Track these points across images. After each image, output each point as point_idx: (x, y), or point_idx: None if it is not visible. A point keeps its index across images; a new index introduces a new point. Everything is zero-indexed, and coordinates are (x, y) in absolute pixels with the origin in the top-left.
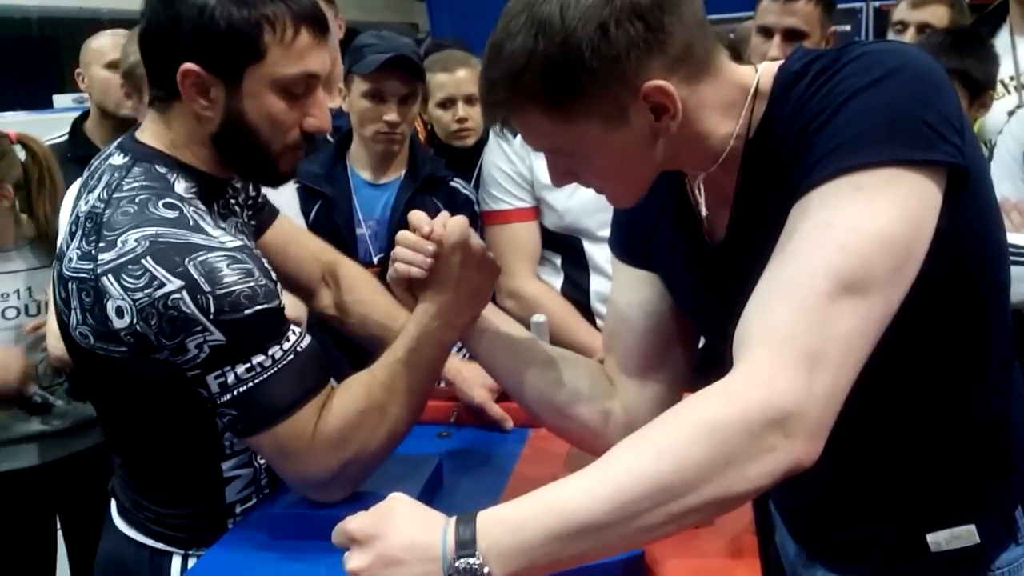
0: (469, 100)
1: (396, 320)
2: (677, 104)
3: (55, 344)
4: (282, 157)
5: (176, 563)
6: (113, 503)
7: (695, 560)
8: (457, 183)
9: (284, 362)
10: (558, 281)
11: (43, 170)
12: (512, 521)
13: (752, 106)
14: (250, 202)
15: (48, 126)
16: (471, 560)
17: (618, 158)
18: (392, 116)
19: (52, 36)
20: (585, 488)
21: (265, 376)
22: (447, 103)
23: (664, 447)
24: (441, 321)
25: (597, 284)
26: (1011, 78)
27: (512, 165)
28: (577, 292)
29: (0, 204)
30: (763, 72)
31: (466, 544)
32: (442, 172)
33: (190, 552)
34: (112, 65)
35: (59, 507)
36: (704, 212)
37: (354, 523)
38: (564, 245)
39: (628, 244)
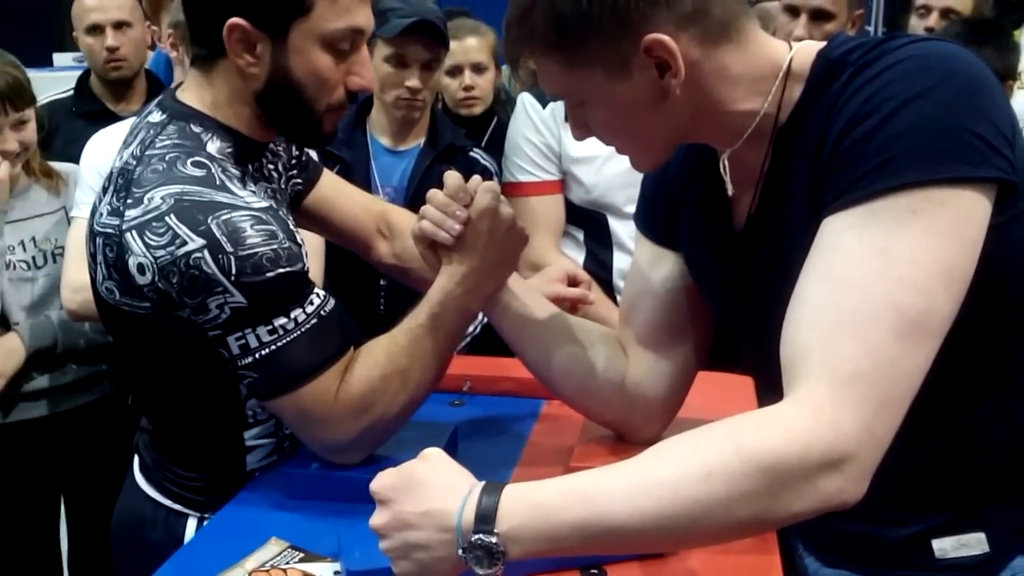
0: (476, 68)
1: None
2: (679, 61)
3: (70, 297)
4: (326, 116)
5: (191, 525)
6: (136, 460)
7: None
8: (477, 153)
9: (307, 326)
10: (580, 256)
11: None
12: (542, 506)
13: (784, 86)
14: (293, 162)
15: (48, 84)
16: (488, 538)
17: (625, 113)
18: (414, 82)
19: None
20: (625, 493)
21: (288, 340)
22: (454, 71)
23: (716, 472)
24: (465, 288)
25: (620, 261)
26: None
27: (540, 136)
28: (600, 268)
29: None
30: (798, 52)
31: (486, 519)
32: (462, 142)
33: (206, 515)
34: (93, 29)
35: (64, 458)
36: (731, 191)
37: (377, 482)
38: (588, 220)
39: (652, 220)
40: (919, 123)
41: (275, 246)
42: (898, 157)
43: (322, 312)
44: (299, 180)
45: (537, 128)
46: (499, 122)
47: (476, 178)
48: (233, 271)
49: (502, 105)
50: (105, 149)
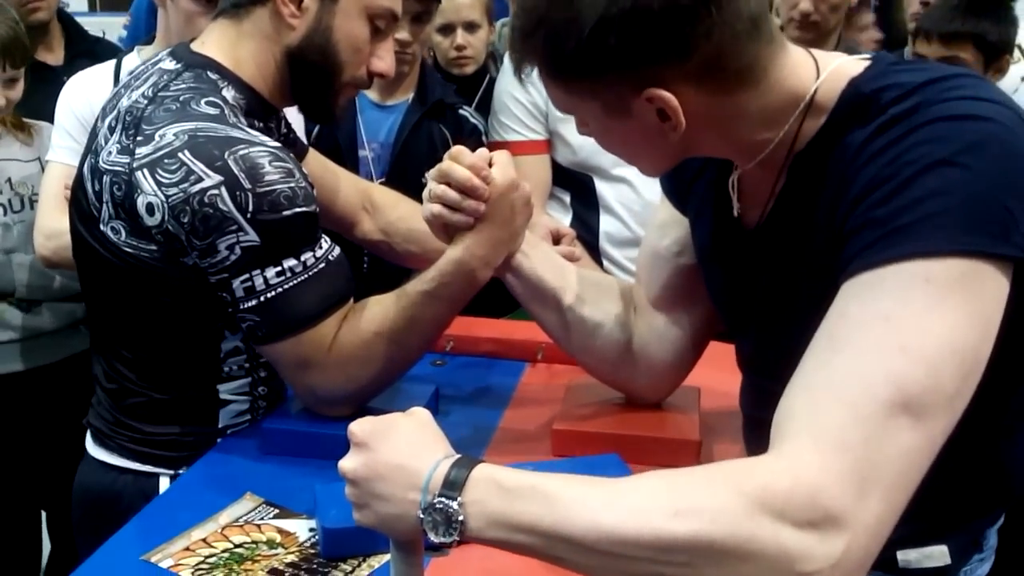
0: (469, 27)
1: None
2: (679, 117)
3: (43, 243)
4: (344, 89)
5: (164, 484)
6: (88, 434)
7: None
8: (466, 111)
9: (315, 269)
10: (567, 219)
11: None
12: (508, 490)
13: (804, 117)
14: (281, 139)
15: None
16: (450, 503)
17: (626, 142)
18: (404, 35)
19: None
20: (590, 505)
21: (295, 282)
22: (446, 29)
23: (685, 510)
24: (479, 261)
25: (606, 224)
26: None
27: (527, 95)
28: (586, 231)
29: None
30: (826, 81)
31: (452, 486)
32: (452, 99)
33: (179, 472)
34: None
35: (41, 418)
36: (737, 210)
37: (357, 425)
38: (575, 183)
39: (672, 183)
40: (943, 189)
41: (292, 184)
42: (917, 224)
43: (329, 257)
44: None
45: (524, 87)
46: (491, 80)
47: (483, 150)
48: (250, 208)
49: (493, 61)
50: (82, 92)
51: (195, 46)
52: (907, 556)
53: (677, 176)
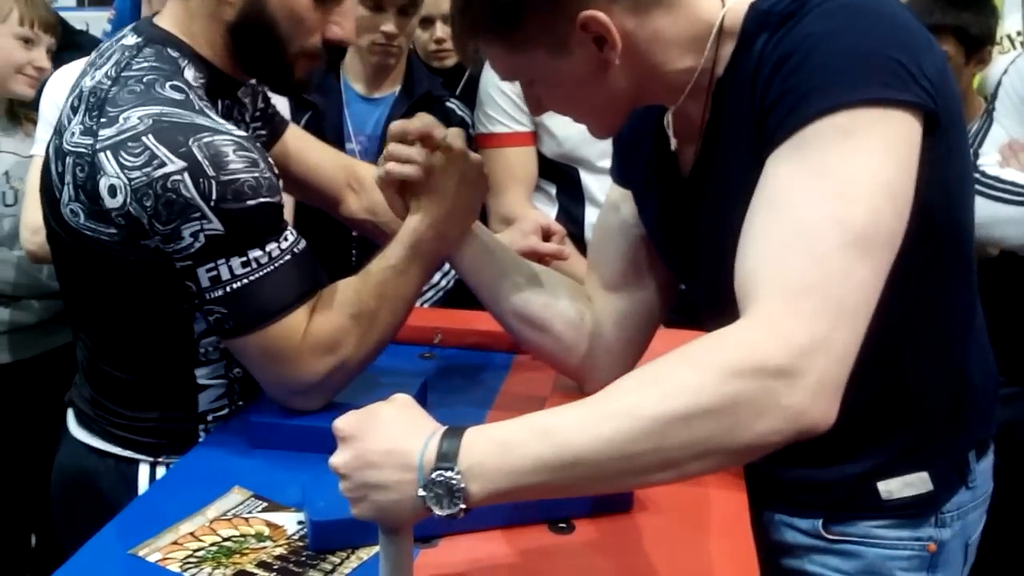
0: (448, 19)
1: None
2: (614, 35)
3: (29, 238)
4: (299, 61)
5: (144, 471)
6: (70, 412)
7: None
8: (453, 103)
9: (281, 261)
10: (552, 211)
11: None
12: (503, 442)
13: (718, 41)
14: (258, 114)
15: None
16: (448, 474)
17: (573, 88)
18: (390, 27)
19: None
20: (584, 422)
21: (261, 273)
22: (426, 22)
23: (672, 390)
24: (435, 232)
25: (592, 216)
26: (1018, 33)
27: (512, 86)
28: (571, 223)
29: None
30: (731, 8)
31: (447, 457)
32: (439, 91)
33: (159, 460)
34: None
35: (27, 410)
36: (674, 145)
37: (341, 420)
38: (560, 174)
39: (617, 161)
40: (841, 50)
41: (256, 174)
42: (822, 85)
43: (295, 249)
44: (263, 132)
45: None
46: (472, 73)
47: (442, 125)
48: (214, 196)
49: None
50: (66, 85)
51: (156, 19)
52: (888, 487)
53: (621, 155)
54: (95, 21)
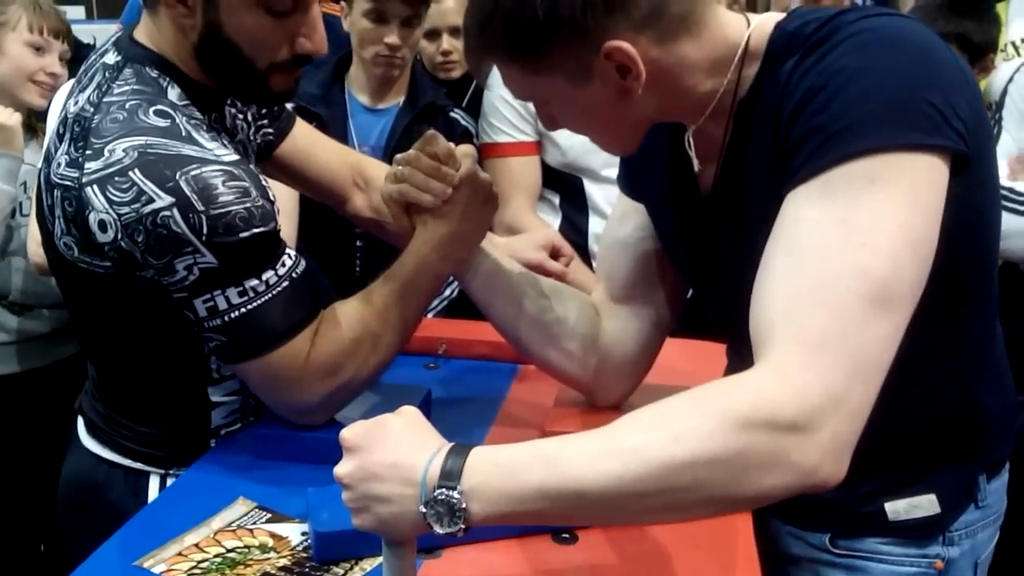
0: (454, 32)
1: None
2: (639, 66)
3: (35, 250)
4: (272, 76)
5: (154, 483)
6: (80, 421)
7: None
8: (457, 114)
9: (279, 288)
10: (556, 221)
11: None
12: (507, 465)
13: (742, 63)
14: (263, 111)
15: None
16: (451, 493)
17: (591, 112)
18: (393, 39)
19: None
20: (591, 456)
21: (259, 302)
22: (432, 34)
23: (682, 434)
24: (441, 253)
25: (596, 226)
26: (1022, 40)
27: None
28: (575, 233)
29: None
30: (755, 29)
31: (451, 476)
32: (442, 101)
33: (170, 472)
34: None
35: (37, 420)
36: (697, 167)
37: (349, 430)
38: (564, 184)
39: (627, 173)
40: (870, 90)
41: (248, 204)
42: (851, 127)
43: (293, 274)
44: (270, 130)
45: None
46: (479, 84)
47: (451, 144)
48: (205, 230)
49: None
50: None
51: (136, 33)
52: (895, 507)
53: (630, 169)
54: (103, 34)
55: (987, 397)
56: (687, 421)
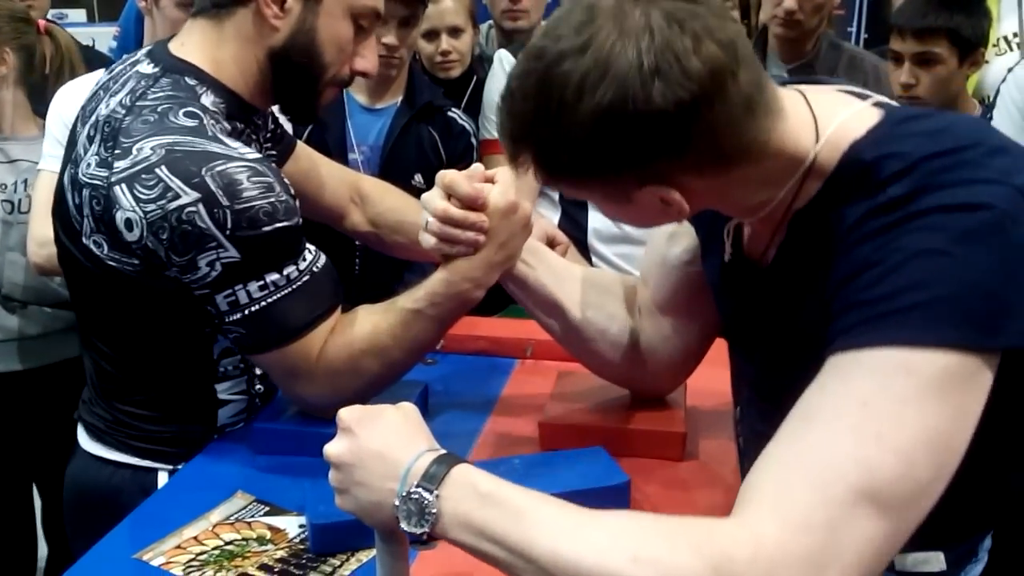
0: (453, 32)
1: None
2: (683, 206)
3: (35, 251)
4: (327, 89)
5: (163, 479)
6: (81, 428)
7: (678, 491)
8: (455, 113)
9: (300, 282)
10: (556, 216)
11: (64, 61)
12: (482, 497)
13: (803, 179)
14: (268, 135)
15: None
16: (426, 495)
17: (629, 214)
18: (391, 39)
19: None
20: (555, 531)
21: (279, 296)
22: (431, 35)
23: (643, 558)
24: (473, 283)
25: (595, 221)
26: (1015, 34)
27: None
28: (575, 228)
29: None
30: (826, 146)
31: (431, 479)
32: (440, 101)
33: (178, 468)
34: None
35: (37, 421)
36: (728, 256)
37: (346, 411)
38: None
39: None
40: (929, 279)
41: (272, 199)
42: (901, 312)
43: (314, 268)
44: (274, 152)
45: None
46: (478, 82)
47: (479, 167)
48: (229, 225)
49: (480, 63)
50: (73, 101)
51: (174, 47)
52: (903, 560)
53: None
54: (102, 36)
55: (1015, 476)
56: (654, 547)
